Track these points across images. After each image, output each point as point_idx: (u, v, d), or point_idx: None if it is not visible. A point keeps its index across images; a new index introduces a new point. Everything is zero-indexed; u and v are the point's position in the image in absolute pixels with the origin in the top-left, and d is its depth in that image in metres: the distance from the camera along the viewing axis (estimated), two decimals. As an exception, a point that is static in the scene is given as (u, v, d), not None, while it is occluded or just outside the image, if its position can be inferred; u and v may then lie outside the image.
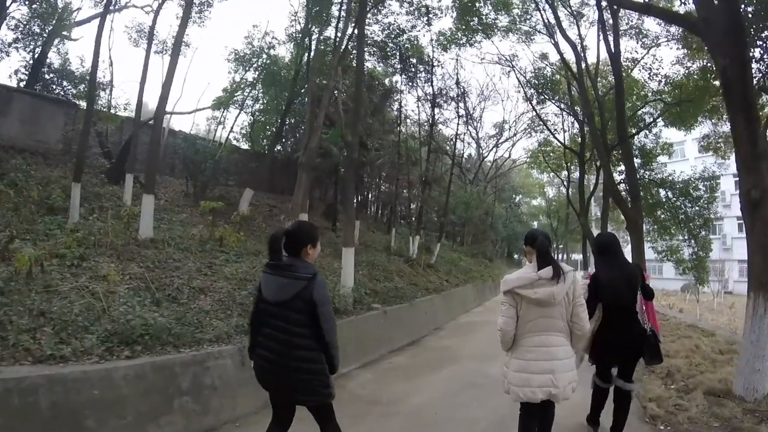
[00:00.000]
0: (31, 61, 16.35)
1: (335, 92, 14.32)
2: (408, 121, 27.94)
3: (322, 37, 18.13)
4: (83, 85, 16.35)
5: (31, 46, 16.58)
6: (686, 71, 17.94)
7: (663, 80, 18.67)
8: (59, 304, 5.81)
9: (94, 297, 6.27)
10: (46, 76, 16.73)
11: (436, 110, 24.77)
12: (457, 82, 25.49)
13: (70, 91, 16.69)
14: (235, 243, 10.63)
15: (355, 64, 14.24)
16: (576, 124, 24.81)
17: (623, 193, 15.94)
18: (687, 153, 39.36)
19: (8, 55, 16.34)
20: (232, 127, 23.03)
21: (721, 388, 6.58)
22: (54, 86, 16.73)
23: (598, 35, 19.99)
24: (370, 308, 10.41)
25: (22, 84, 15.62)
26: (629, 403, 5.08)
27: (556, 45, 20.70)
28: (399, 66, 22.47)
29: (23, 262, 6.06)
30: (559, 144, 27.66)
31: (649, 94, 19.71)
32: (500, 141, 39.72)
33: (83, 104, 14.58)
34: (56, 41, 17.10)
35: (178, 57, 11.09)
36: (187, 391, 5.45)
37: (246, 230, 13.09)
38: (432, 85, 23.28)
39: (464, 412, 6.42)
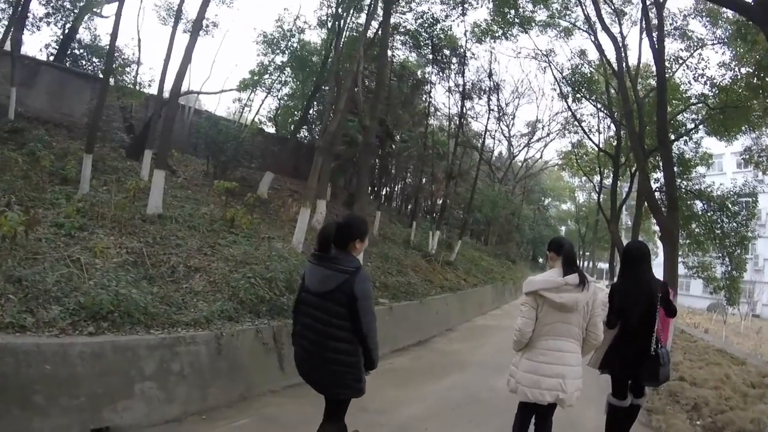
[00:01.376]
0: (61, 36, 16.42)
1: (359, 76, 13.67)
2: (438, 113, 27.57)
3: (353, 24, 17.73)
4: (116, 62, 15.97)
5: (62, 22, 16.59)
6: (733, 75, 16.88)
7: (708, 82, 17.61)
8: (38, 271, 5.52)
9: (79, 268, 5.98)
10: (76, 52, 16.84)
11: (467, 103, 24.22)
12: (490, 75, 24.71)
13: (100, 68, 16.56)
14: (247, 225, 10.28)
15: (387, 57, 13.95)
16: (612, 127, 24.13)
17: (659, 201, 14.94)
18: (725, 167, 37.93)
19: (39, 29, 16.38)
20: (258, 110, 22.84)
21: (754, 430, 5.91)
22: (83, 61, 16.88)
23: (641, 35, 19.55)
24: (376, 302, 9.78)
25: (51, 58, 15.64)
26: (636, 415, 5.18)
27: (596, 42, 19.98)
28: (431, 56, 21.84)
29: (7, 228, 5.79)
30: (594, 146, 26.86)
31: (693, 97, 18.61)
32: (532, 140, 39.08)
33: (111, 80, 14.36)
34: (87, 17, 17.05)
35: (198, 34, 10.98)
36: (152, 376, 5.08)
37: (262, 213, 12.92)
38: (463, 76, 22.53)
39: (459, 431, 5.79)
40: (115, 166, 11.63)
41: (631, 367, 4.86)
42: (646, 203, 19.68)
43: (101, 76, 15.07)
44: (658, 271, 5.34)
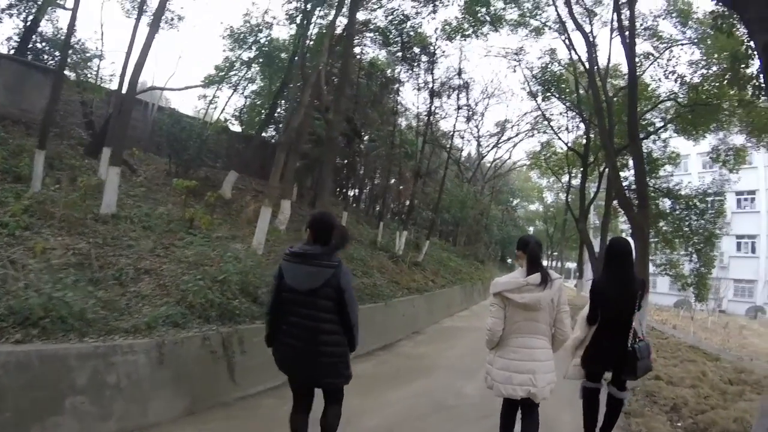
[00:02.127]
0: (23, 29, 15.67)
1: (322, 72, 13.21)
2: (407, 113, 27.37)
3: (321, 20, 17.32)
4: (76, 56, 15.49)
5: (25, 14, 15.81)
6: (703, 74, 16.86)
7: (679, 79, 17.60)
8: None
9: (17, 270, 5.47)
10: (39, 45, 16.12)
11: (436, 101, 23.95)
12: (459, 73, 24.35)
13: (68, 64, 15.61)
14: (206, 225, 9.92)
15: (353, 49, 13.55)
16: (581, 126, 24.09)
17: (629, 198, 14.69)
18: (690, 167, 38.32)
19: (0, 21, 15.65)
20: (224, 108, 22.14)
21: (738, 430, 5.63)
22: (45, 55, 16.08)
23: (611, 35, 19.52)
24: None
25: (12, 52, 15.01)
26: (620, 409, 5.24)
27: (567, 40, 19.99)
28: (400, 54, 21.53)
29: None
30: (562, 146, 26.95)
31: (662, 94, 18.59)
32: (501, 140, 38.93)
33: (72, 75, 14.30)
34: (50, 9, 16.18)
35: (158, 26, 10.58)
36: (84, 389, 4.54)
37: (224, 213, 12.60)
38: (432, 74, 22.31)
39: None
40: (72, 164, 11.08)
41: (609, 363, 4.95)
42: (615, 201, 19.67)
43: (68, 72, 14.54)
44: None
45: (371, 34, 20.58)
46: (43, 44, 16.37)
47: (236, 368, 6.14)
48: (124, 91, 12.39)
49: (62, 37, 15.81)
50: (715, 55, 16.14)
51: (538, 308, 4.13)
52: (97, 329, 5.11)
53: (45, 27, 16.58)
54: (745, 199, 40.02)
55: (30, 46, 15.61)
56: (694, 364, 9.44)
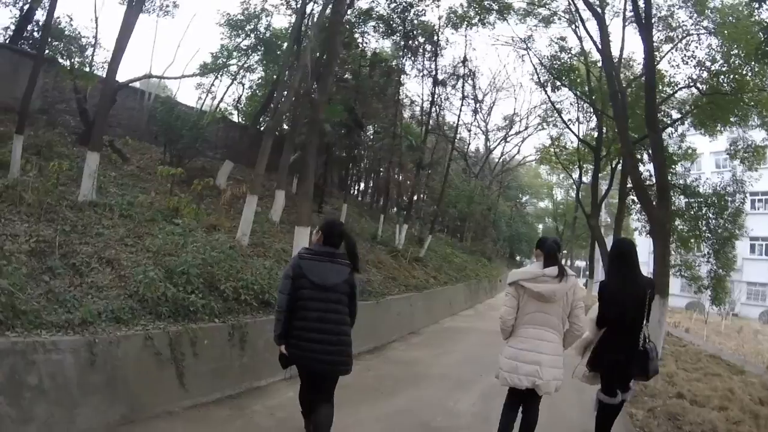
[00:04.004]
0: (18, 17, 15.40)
1: (308, 54, 12.43)
2: (413, 105, 26.88)
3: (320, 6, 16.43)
4: (71, 44, 15.22)
5: (21, 3, 15.49)
6: (722, 65, 15.84)
7: (699, 66, 16.47)
8: None
9: None
10: (36, 35, 15.58)
11: (441, 90, 23.63)
12: (464, 61, 23.32)
13: (61, 51, 15.24)
14: (191, 214, 9.37)
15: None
16: (593, 118, 23.16)
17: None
18: (704, 166, 37.19)
19: None
20: (222, 97, 21.65)
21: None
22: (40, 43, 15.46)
23: (624, 24, 18.70)
24: None
25: (6, 40, 14.79)
26: (620, 410, 5.16)
27: (578, 29, 19.44)
28: (403, 42, 20.76)
29: None
30: (573, 139, 26.15)
31: (681, 81, 17.47)
32: (510, 134, 38.09)
33: (66, 62, 13.98)
34: None
35: (140, 7, 10.67)
36: (1, 389, 3.99)
37: (217, 203, 12.16)
38: (436, 61, 21.56)
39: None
40: (62, 152, 10.65)
41: (621, 363, 4.77)
42: (630, 197, 18.73)
43: (60, 59, 14.46)
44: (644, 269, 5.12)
45: (374, 23, 19.80)
46: (40, 32, 15.58)
47: (186, 373, 5.41)
48: (120, 80, 12.19)
49: (59, 26, 15.67)
50: (735, 49, 15.22)
51: (552, 300, 4.18)
52: (27, 322, 4.51)
53: (42, 16, 16.01)
54: (760, 200, 38.85)
55: (26, 35, 15.25)
56: (719, 378, 8.55)
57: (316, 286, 4.04)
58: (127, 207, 8.45)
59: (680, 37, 17.08)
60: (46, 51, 14.25)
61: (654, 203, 11.69)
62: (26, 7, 15.26)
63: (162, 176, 10.78)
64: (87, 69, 14.70)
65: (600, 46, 14.93)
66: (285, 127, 17.99)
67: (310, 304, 4.04)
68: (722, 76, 15.64)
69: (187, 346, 5.46)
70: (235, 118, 21.15)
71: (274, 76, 17.63)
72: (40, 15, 15.70)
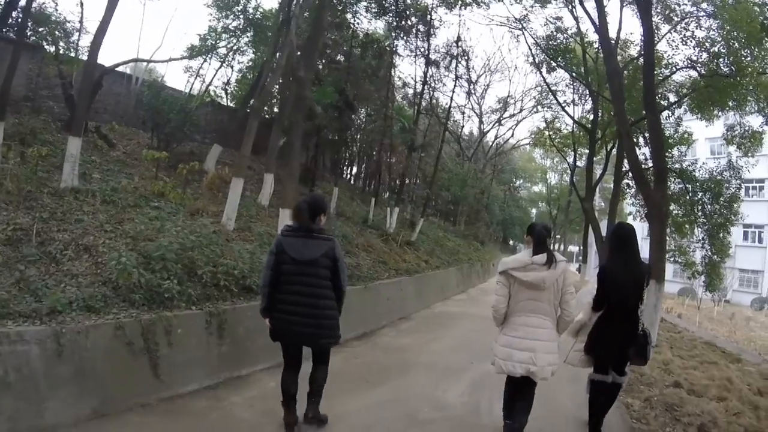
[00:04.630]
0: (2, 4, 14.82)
1: (292, 33, 12.09)
2: (406, 88, 26.56)
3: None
4: (58, 31, 14.69)
5: None
6: (721, 48, 15.48)
7: (698, 46, 16.11)
8: None
9: None
10: (20, 21, 14.59)
11: (434, 71, 23.07)
12: (458, 40, 22.91)
13: (46, 37, 14.82)
14: (176, 199, 9.36)
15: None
16: (588, 100, 22.87)
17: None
18: (698, 152, 37.01)
19: None
20: (211, 81, 21.03)
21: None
22: (27, 30, 14.69)
23: (621, 5, 18.46)
24: None
25: None
26: (617, 395, 5.27)
27: (573, 10, 19.25)
28: (395, 22, 20.23)
29: None
30: (568, 122, 25.90)
31: (680, 62, 17.11)
32: (504, 117, 37.77)
33: (51, 48, 13.85)
34: None
35: None
36: None
37: (205, 188, 11.79)
38: (428, 41, 21.04)
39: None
40: (45, 138, 10.27)
41: (620, 348, 4.84)
42: (628, 178, 18.48)
43: (45, 45, 14.13)
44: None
45: (365, 2, 19.36)
46: (27, 20, 15.12)
47: (161, 363, 5.16)
48: (106, 64, 12.38)
49: (45, 11, 15.23)
50: (734, 32, 14.81)
51: (542, 287, 4.24)
52: (-4, 312, 4.38)
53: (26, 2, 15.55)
54: (754, 188, 38.89)
55: (11, 21, 14.38)
56: (716, 367, 8.33)
57: (294, 261, 4.32)
58: (110, 193, 8.25)
59: (679, 17, 16.68)
60: (32, 38, 14.25)
61: (651, 186, 11.36)
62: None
63: (147, 160, 10.68)
64: (72, 54, 14.43)
65: (597, 22, 14.53)
66: (276, 110, 17.66)
67: (291, 278, 4.35)
68: (721, 59, 15.29)
69: (162, 335, 5.21)
70: (224, 101, 20.58)
71: (264, 58, 17.26)
72: (24, 1, 15.08)
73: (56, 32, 14.20)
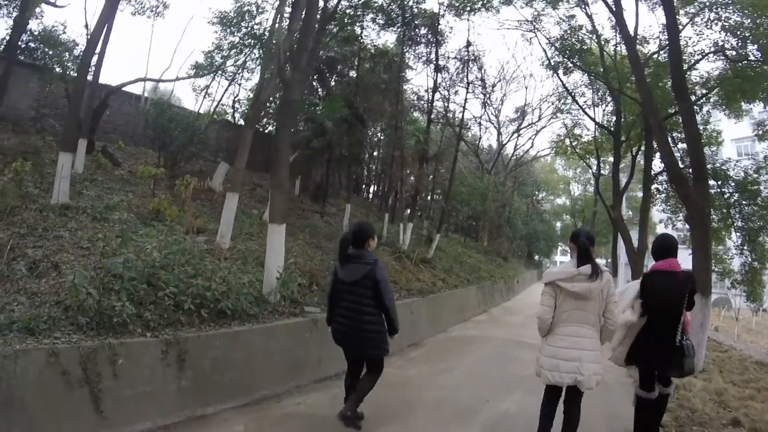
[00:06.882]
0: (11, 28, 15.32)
1: (282, 34, 11.51)
2: (419, 101, 25.64)
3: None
4: (67, 53, 14.84)
5: (15, 13, 15.16)
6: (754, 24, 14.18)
7: (724, 31, 14.73)
8: None
9: None
10: (32, 45, 15.26)
11: (445, 77, 22.61)
12: (468, 45, 22.10)
13: (54, 59, 14.88)
14: (172, 216, 9.46)
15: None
16: (609, 103, 22.03)
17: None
18: (724, 154, 35.66)
19: None
20: (220, 99, 20.98)
21: None
22: (36, 52, 15.27)
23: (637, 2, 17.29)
24: (302, 312, 7.59)
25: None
26: (665, 405, 5.29)
27: (586, 8, 18.36)
28: (403, 33, 19.77)
29: None
30: (589, 127, 25.09)
31: (705, 48, 15.78)
32: (522, 126, 36.67)
33: (58, 69, 14.09)
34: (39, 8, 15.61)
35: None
36: None
37: (210, 206, 12.22)
38: (436, 49, 20.37)
39: None
40: (50, 158, 10.33)
41: (657, 359, 4.87)
42: (658, 182, 17.36)
43: (59, 69, 14.30)
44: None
45: (372, 15, 18.61)
46: (34, 42, 15.53)
47: (104, 397, 4.57)
48: (112, 84, 13.46)
49: (53, 34, 15.46)
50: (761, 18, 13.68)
51: (588, 298, 4.29)
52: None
53: (35, 25, 15.99)
54: (790, 187, 37.19)
55: (19, 44, 14.80)
56: (774, 392, 7.06)
57: (343, 282, 5.12)
58: (102, 210, 8.42)
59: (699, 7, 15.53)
60: (42, 60, 14.61)
61: (690, 185, 10.07)
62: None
63: (145, 177, 11.06)
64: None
65: (614, 9, 13.49)
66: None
67: (342, 296, 5.15)
68: (750, 43, 14.09)
69: (105, 364, 4.63)
70: (234, 119, 20.49)
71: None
72: (34, 25, 15.65)
73: (65, 54, 14.32)
